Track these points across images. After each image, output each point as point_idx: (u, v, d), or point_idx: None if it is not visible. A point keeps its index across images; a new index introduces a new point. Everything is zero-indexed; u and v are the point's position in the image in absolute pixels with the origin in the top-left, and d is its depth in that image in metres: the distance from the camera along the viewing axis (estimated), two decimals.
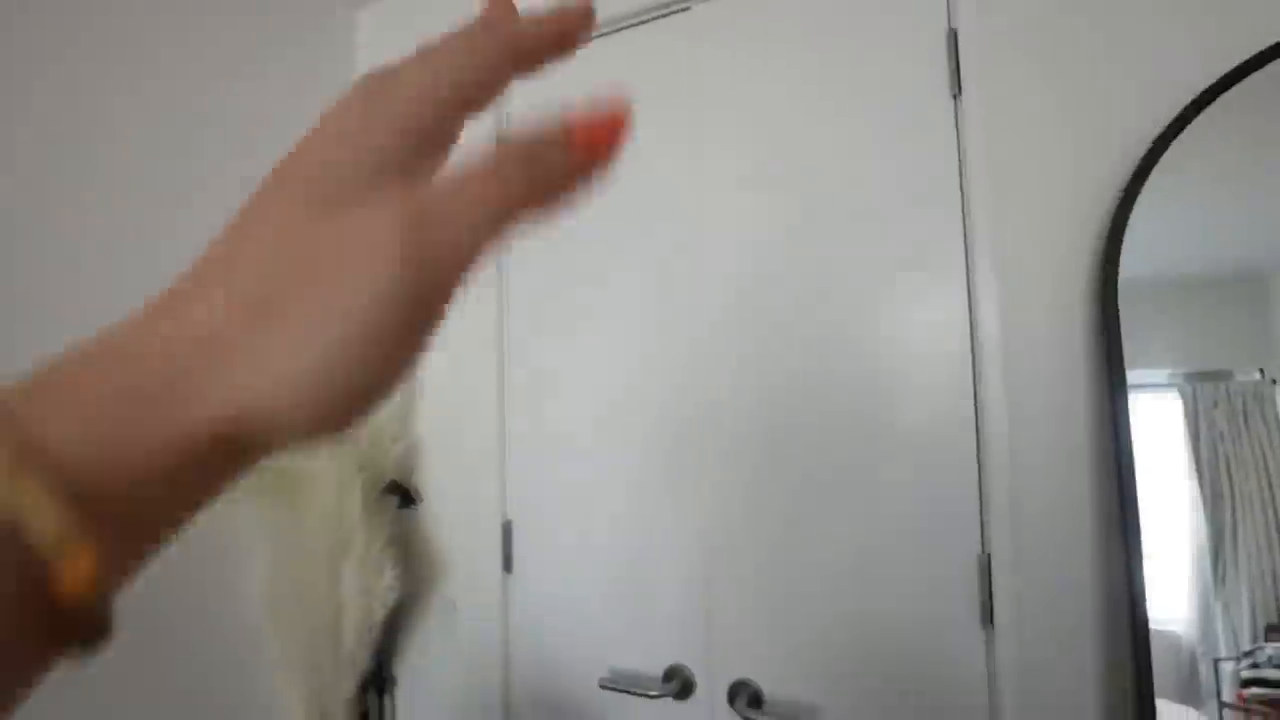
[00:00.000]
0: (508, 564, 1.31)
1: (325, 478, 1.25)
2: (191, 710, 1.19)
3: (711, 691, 1.09)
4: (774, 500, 1.09)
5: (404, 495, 1.42)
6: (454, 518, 1.41)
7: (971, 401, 0.98)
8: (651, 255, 1.21)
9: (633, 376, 1.22)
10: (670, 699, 1.11)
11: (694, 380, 1.16)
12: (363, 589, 1.24)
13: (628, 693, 1.12)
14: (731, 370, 1.13)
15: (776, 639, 1.06)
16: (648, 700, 1.12)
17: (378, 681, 1.43)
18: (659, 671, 1.13)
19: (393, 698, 1.45)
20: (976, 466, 0.98)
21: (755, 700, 1.05)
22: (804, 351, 1.09)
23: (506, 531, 1.31)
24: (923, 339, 1.03)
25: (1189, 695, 0.88)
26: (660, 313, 1.20)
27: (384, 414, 1.40)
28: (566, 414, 1.28)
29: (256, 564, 1.27)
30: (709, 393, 1.14)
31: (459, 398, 1.40)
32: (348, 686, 1.29)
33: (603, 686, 1.14)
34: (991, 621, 0.96)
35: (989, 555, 0.96)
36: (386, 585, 1.25)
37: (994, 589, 0.96)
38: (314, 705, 1.26)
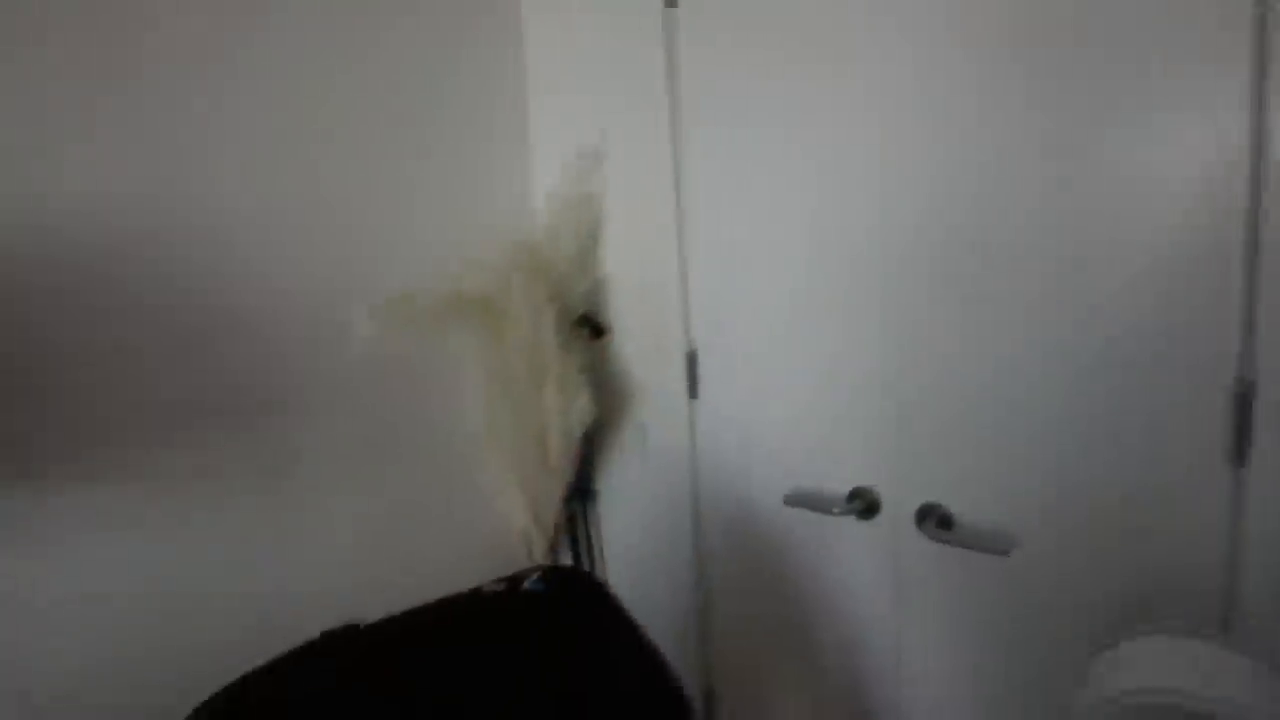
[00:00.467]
0: (693, 390, 1.36)
1: (521, 309, 1.35)
2: (434, 512, 1.44)
3: (897, 512, 1.10)
4: (978, 320, 1.00)
5: (594, 327, 1.51)
6: (641, 349, 1.48)
7: (1242, 219, 0.80)
8: (847, 66, 1.08)
9: (824, 196, 1.14)
10: (854, 517, 1.13)
11: (891, 195, 1.05)
12: (562, 410, 1.37)
13: (811, 510, 1.16)
14: (931, 183, 1.01)
15: (973, 463, 1.02)
16: (830, 518, 1.15)
17: (581, 494, 1.62)
18: (844, 492, 1.14)
19: (595, 508, 1.64)
20: (1243, 288, 0.81)
21: (945, 522, 1.04)
22: (1013, 160, 0.94)
23: (691, 360, 1.36)
24: (1177, 151, 0.84)
25: None
26: (853, 123, 1.08)
27: (571, 252, 1.47)
28: (749, 241, 1.24)
29: (473, 386, 1.44)
30: (908, 207, 1.04)
31: (641, 235, 1.42)
32: (557, 495, 1.47)
33: (787, 503, 1.19)
34: (1243, 460, 0.84)
35: (1252, 384, 0.82)
36: (582, 406, 1.37)
37: (1252, 424, 0.82)
38: (531, 509, 1.46)
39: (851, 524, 1.15)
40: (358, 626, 0.56)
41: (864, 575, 1.17)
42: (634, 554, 1.58)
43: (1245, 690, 0.69)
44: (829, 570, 1.22)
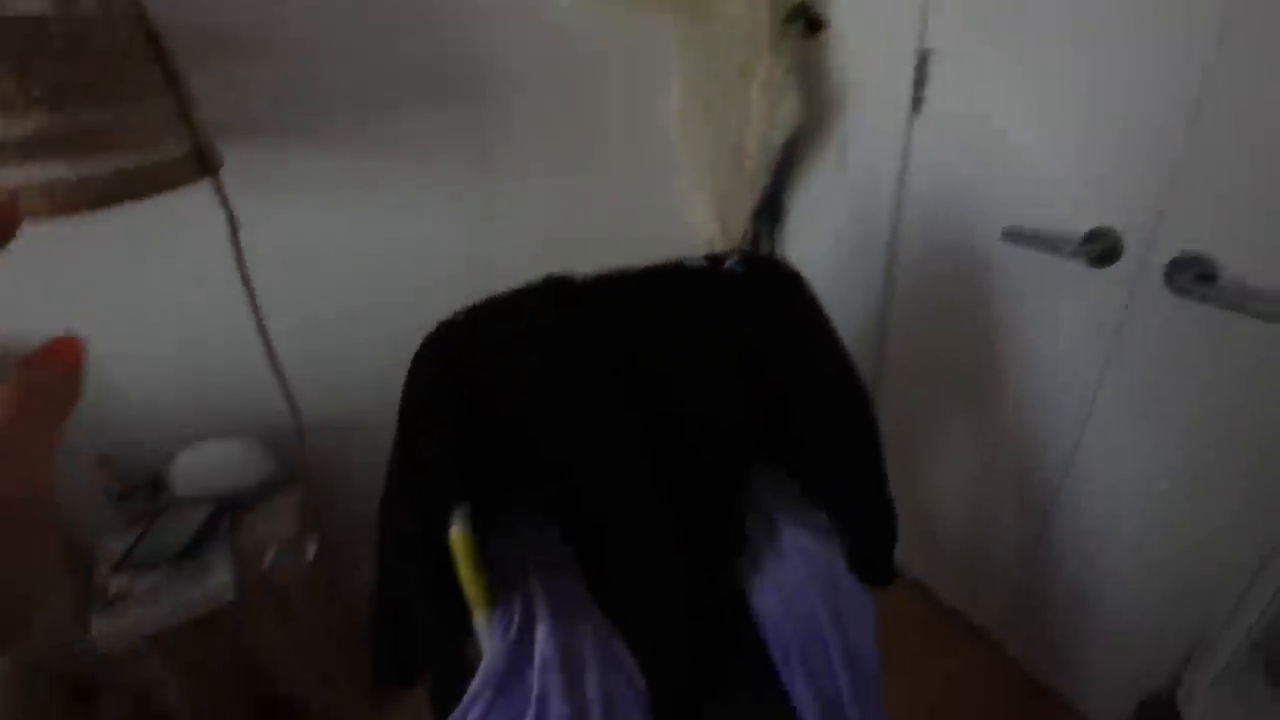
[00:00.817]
0: (916, 103, 1.19)
1: None
2: (617, 208, 1.46)
3: (1143, 260, 0.94)
4: None
5: (810, 21, 1.31)
6: (862, 50, 1.28)
7: None
8: None
9: None
10: (1084, 261, 0.99)
11: None
12: (765, 112, 1.26)
13: (1035, 249, 1.04)
14: None
15: (1265, 211, 0.83)
16: (1053, 261, 1.02)
17: (771, 209, 1.57)
18: (1080, 231, 0.99)
19: (783, 226, 1.59)
20: None
21: (1206, 277, 0.88)
22: None
23: (921, 61, 1.16)
24: None
25: None
26: None
27: None
28: None
29: (671, 80, 1.35)
30: None
31: None
32: (747, 205, 1.43)
33: (1005, 238, 1.06)
34: None
35: None
36: (787, 110, 1.25)
37: None
38: (719, 218, 1.44)
39: (1079, 270, 1.01)
40: (573, 277, 0.60)
41: (1076, 328, 1.07)
42: (817, 281, 1.56)
43: None
44: (1035, 317, 1.13)
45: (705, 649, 0.67)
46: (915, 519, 1.60)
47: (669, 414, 0.63)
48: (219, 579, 1.06)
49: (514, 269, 0.66)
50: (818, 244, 1.53)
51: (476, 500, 0.57)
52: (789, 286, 0.66)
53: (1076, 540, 1.25)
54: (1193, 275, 0.89)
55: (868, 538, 0.77)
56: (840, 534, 0.75)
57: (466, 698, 0.59)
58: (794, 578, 0.70)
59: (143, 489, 1.18)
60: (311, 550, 1.15)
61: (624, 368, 0.60)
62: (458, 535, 0.58)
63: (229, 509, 1.20)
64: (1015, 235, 1.06)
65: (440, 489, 0.55)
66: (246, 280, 1.17)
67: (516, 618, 0.61)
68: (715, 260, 0.67)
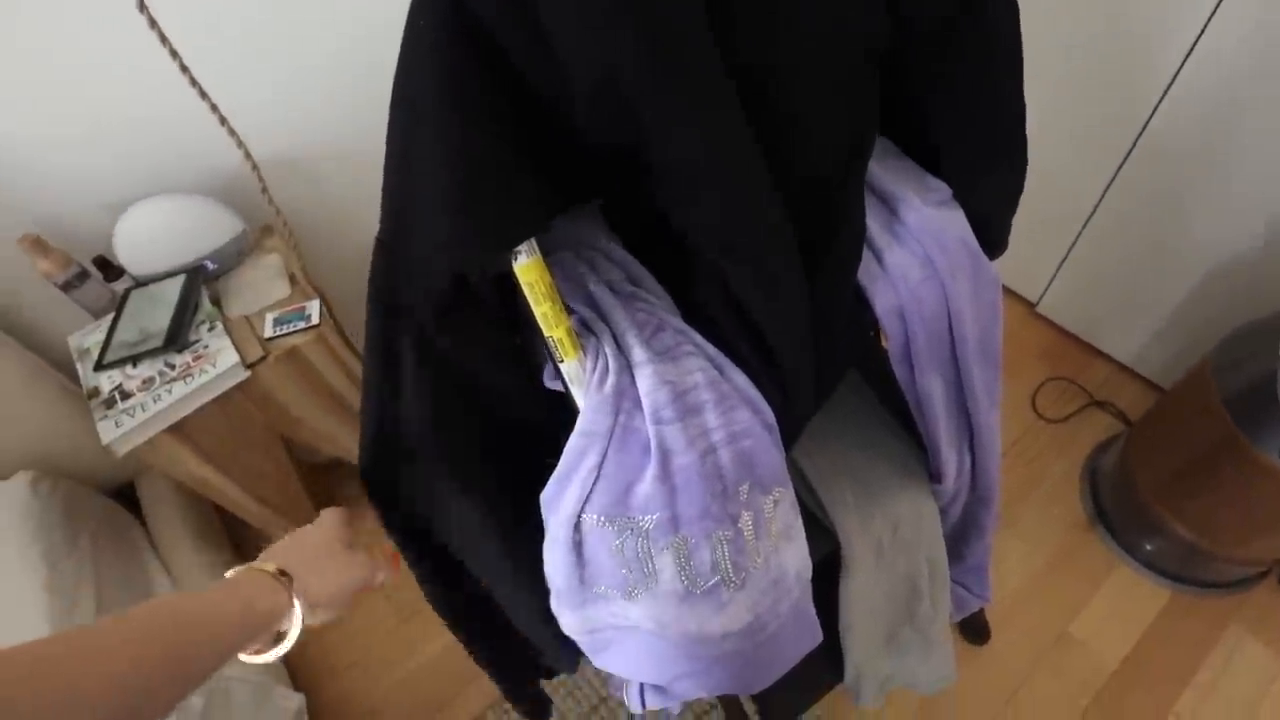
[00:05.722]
0: None
1: None
2: None
3: None
4: None
5: None
6: None
7: None
8: None
9: None
10: None
11: None
12: None
13: None
14: None
15: None
16: None
17: None
18: None
19: None
20: None
21: None
22: None
23: None
24: None
25: None
26: None
27: None
28: None
29: None
30: None
31: None
32: None
33: None
34: None
35: None
36: None
37: None
38: None
39: None
40: None
41: None
42: None
43: None
44: None
45: (830, 368, 0.56)
46: None
47: (776, 67, 0.44)
48: (224, 360, 0.94)
49: None
50: None
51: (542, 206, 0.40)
52: None
53: (1155, 185, 1.12)
54: None
55: (993, 198, 0.63)
56: (961, 199, 0.60)
57: (569, 455, 0.49)
58: (919, 265, 0.57)
59: (90, 274, 1.00)
60: (315, 312, 1.01)
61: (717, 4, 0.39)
62: (530, 264, 0.42)
63: (201, 277, 1.03)
64: None
65: (504, 200, 0.37)
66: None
67: (612, 363, 0.48)
68: None
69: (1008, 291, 1.56)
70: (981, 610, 1.08)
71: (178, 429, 0.93)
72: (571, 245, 0.58)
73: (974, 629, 1.10)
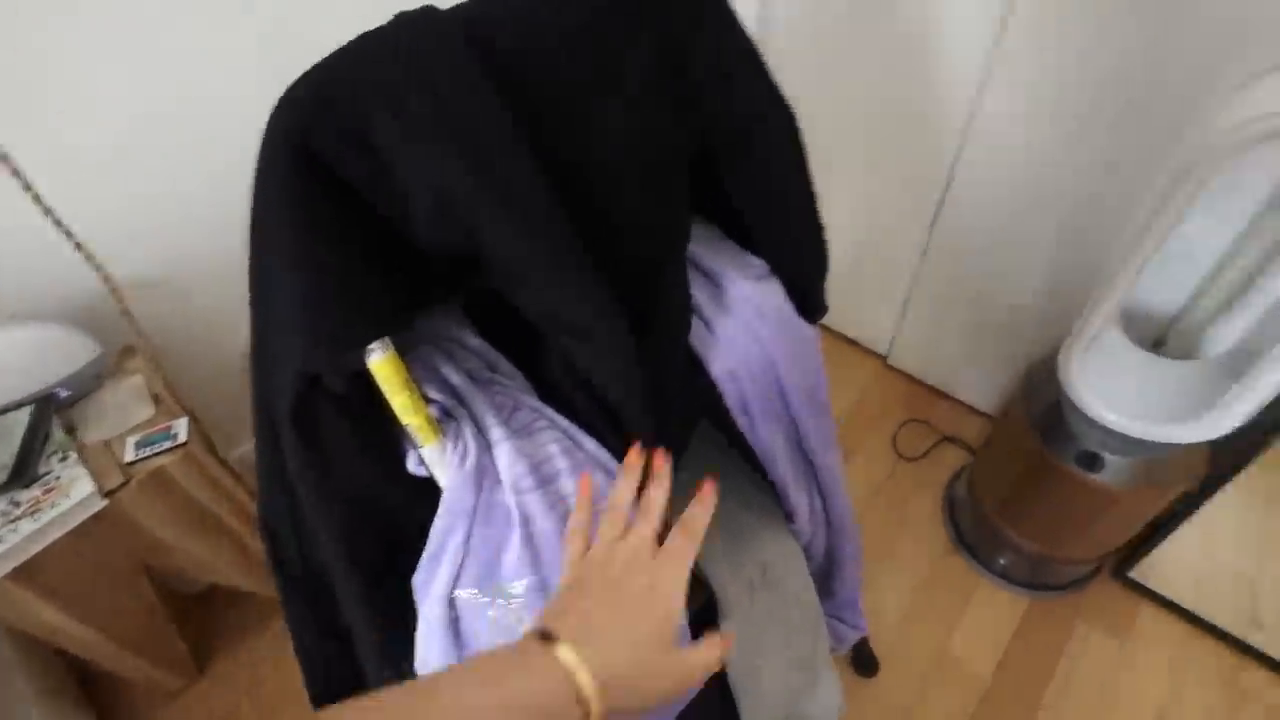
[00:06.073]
0: None
1: None
2: None
3: None
4: None
5: None
6: None
7: None
8: None
9: None
10: None
11: None
12: None
13: None
14: None
15: None
16: None
17: None
18: None
19: None
20: None
21: None
22: None
23: None
24: None
25: None
26: None
27: None
28: None
29: None
30: None
31: None
32: None
33: None
34: None
35: None
36: None
37: None
38: None
39: None
40: (435, 9, 0.43)
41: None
42: None
43: None
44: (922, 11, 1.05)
45: (670, 423, 0.63)
46: None
47: (589, 165, 0.52)
48: (79, 491, 0.89)
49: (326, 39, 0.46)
50: None
51: (394, 309, 0.45)
52: None
53: (963, 242, 1.32)
54: None
55: (803, 271, 0.74)
56: (777, 273, 0.70)
57: (435, 535, 0.52)
58: (744, 331, 0.66)
59: None
60: (182, 430, 0.98)
61: (529, 112, 0.46)
62: (384, 360, 0.46)
63: (52, 406, 0.99)
64: None
65: (347, 306, 0.42)
66: None
67: (471, 444, 0.53)
68: None
69: (863, 350, 1.73)
70: (867, 643, 1.15)
71: (24, 572, 0.87)
72: (431, 340, 0.63)
73: (863, 662, 1.16)
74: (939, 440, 1.54)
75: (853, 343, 1.75)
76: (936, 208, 1.33)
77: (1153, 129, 0.99)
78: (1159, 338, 1.08)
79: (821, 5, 1.27)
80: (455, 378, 0.58)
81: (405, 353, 0.49)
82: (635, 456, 0.50)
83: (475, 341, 0.62)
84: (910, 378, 1.66)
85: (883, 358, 1.70)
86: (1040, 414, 1.05)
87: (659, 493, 0.46)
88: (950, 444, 1.53)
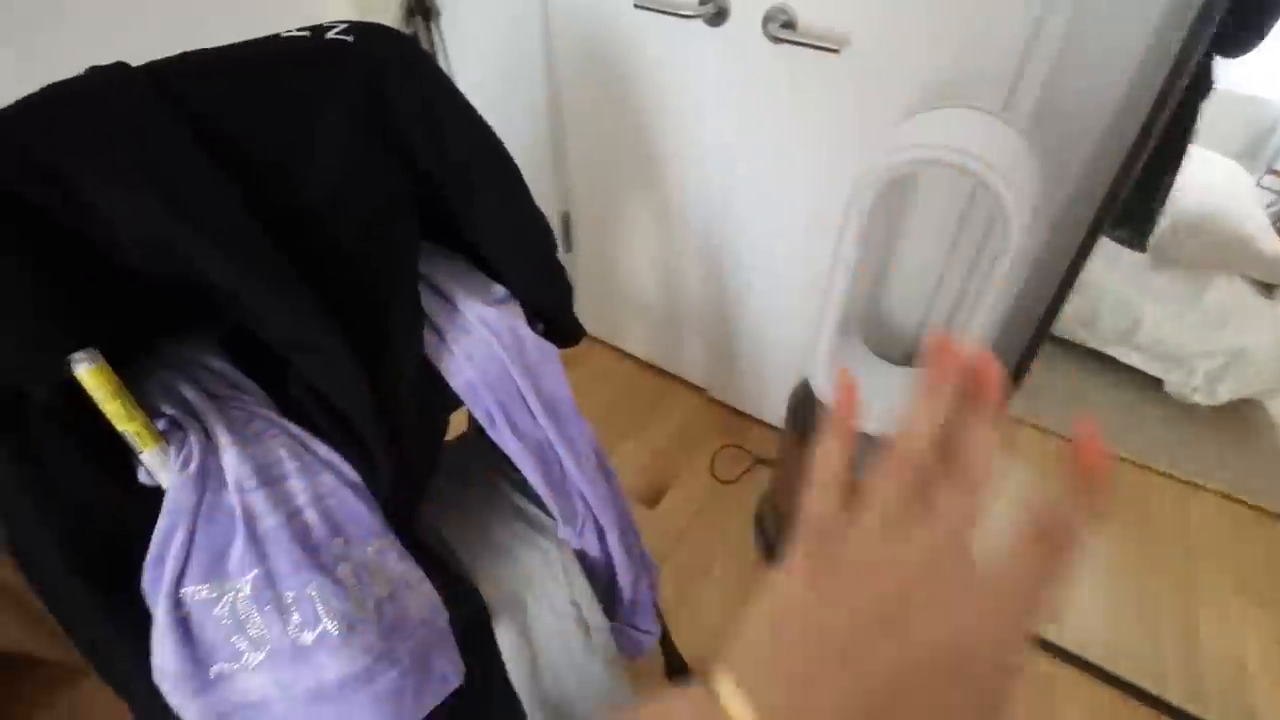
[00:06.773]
0: None
1: None
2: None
3: (746, 17, 1.06)
4: None
5: None
6: None
7: None
8: None
9: None
10: (703, 22, 1.09)
11: None
12: None
13: (663, 13, 1.10)
14: None
15: None
16: (681, 25, 1.11)
17: (422, 10, 1.44)
18: None
19: (439, 28, 1.48)
20: None
21: (789, 25, 1.02)
22: None
23: None
24: None
25: None
26: None
27: None
28: None
29: None
30: None
31: None
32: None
33: (637, 7, 1.11)
34: None
35: None
36: None
37: None
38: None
39: (703, 31, 1.11)
40: (127, 65, 0.49)
41: (710, 84, 1.19)
42: (484, 89, 1.51)
43: (1003, 155, 0.81)
44: (677, 81, 1.23)
45: (411, 430, 0.70)
46: (625, 299, 1.77)
47: (300, 210, 0.60)
48: None
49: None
50: (478, 46, 1.46)
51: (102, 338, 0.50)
52: (406, 47, 0.63)
53: (743, 280, 1.49)
54: (779, 24, 1.02)
55: (546, 302, 0.84)
56: (520, 300, 0.80)
57: (158, 536, 0.56)
58: (482, 348, 0.74)
59: None
60: None
61: (236, 164, 0.54)
62: (92, 370, 0.51)
63: None
64: (644, 3, 1.11)
65: (27, 316, 0.46)
66: None
67: (196, 449, 0.57)
68: (317, 30, 0.60)
69: (687, 384, 1.88)
70: (677, 651, 1.23)
71: None
72: (178, 365, 0.67)
73: (675, 668, 1.24)
74: (753, 463, 1.68)
75: (676, 378, 1.89)
76: (704, 249, 1.51)
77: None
78: (911, 349, 1.27)
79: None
80: (190, 394, 0.62)
81: (147, 375, 0.54)
82: (940, 352, 0.27)
83: (218, 364, 0.67)
84: (727, 407, 1.82)
85: (704, 390, 1.85)
86: (799, 423, 1.21)
87: (985, 431, 0.26)
88: (763, 465, 1.68)
